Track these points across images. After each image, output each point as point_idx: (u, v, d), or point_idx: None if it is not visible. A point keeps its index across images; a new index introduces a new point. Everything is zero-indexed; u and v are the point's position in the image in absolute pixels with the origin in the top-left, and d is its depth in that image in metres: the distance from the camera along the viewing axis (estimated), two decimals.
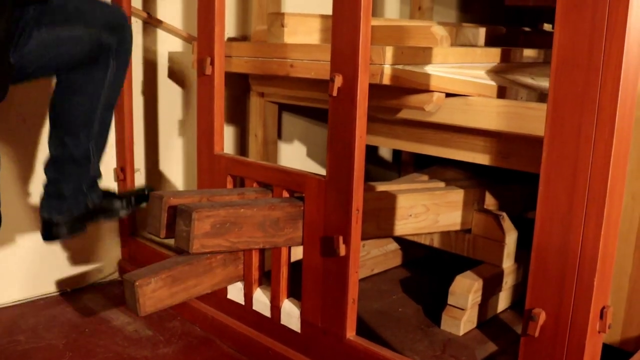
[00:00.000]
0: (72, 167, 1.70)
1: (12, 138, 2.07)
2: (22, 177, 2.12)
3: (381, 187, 2.25)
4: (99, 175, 1.77)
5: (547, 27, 3.47)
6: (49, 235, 1.75)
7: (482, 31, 2.46)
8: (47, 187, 1.74)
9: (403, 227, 2.08)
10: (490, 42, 2.48)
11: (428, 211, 2.11)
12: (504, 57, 2.15)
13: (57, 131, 1.68)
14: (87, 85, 1.63)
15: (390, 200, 2.02)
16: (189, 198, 1.66)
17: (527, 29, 2.96)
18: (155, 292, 1.65)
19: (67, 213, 1.72)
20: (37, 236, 2.19)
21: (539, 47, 2.38)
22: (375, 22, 2.16)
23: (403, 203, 2.05)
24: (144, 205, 1.86)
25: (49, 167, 1.72)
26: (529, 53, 2.29)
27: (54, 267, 2.27)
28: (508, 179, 2.53)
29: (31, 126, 2.11)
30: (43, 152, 2.15)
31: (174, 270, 1.72)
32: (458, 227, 2.22)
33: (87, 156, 1.70)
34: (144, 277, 1.60)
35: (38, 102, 2.10)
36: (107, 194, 1.82)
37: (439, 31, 1.95)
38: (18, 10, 1.42)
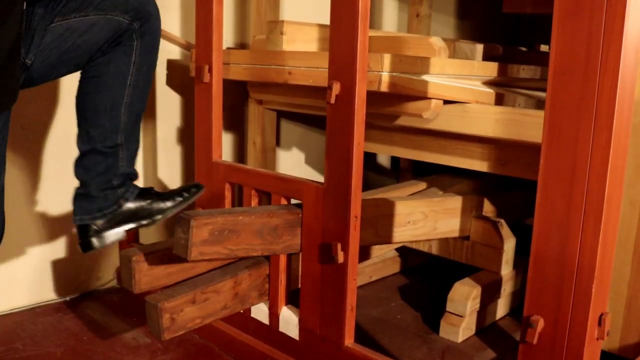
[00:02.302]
0: (99, 161, 1.56)
1: (12, 145, 2.07)
2: (21, 184, 2.12)
3: (380, 194, 2.25)
4: (133, 173, 1.62)
5: (543, 48, 3.49)
6: (84, 244, 1.60)
7: (479, 47, 2.47)
8: (77, 189, 1.61)
9: (401, 234, 2.07)
10: (487, 59, 2.49)
11: (426, 218, 2.11)
12: (502, 72, 2.15)
13: (83, 123, 1.56)
14: (110, 68, 1.52)
15: (388, 207, 2.02)
16: (183, 297, 1.58)
17: (523, 48, 2.97)
18: (152, 269, 1.66)
19: (98, 215, 1.58)
20: (35, 244, 2.19)
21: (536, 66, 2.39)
22: (373, 33, 2.17)
23: (401, 210, 2.04)
24: (192, 201, 1.66)
25: (77, 166, 1.60)
26: (526, 69, 2.29)
27: (52, 275, 2.26)
28: (506, 185, 2.53)
29: (30, 133, 2.12)
30: (41, 158, 2.15)
31: (171, 249, 1.72)
32: (456, 234, 2.22)
33: (116, 149, 1.56)
34: (140, 253, 1.61)
35: (37, 110, 2.10)
36: (147, 193, 1.63)
37: (437, 42, 1.95)
38: (29, 7, 1.39)
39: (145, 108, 1.62)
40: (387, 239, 2.04)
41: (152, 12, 1.54)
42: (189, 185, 1.66)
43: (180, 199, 1.63)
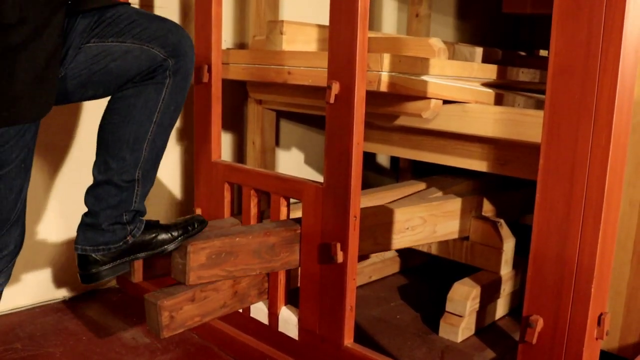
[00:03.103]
0: (113, 193, 1.52)
1: None
2: None
3: (379, 193, 2.25)
4: (142, 210, 1.58)
5: (543, 53, 3.49)
6: (86, 276, 1.55)
7: (478, 50, 2.47)
8: (85, 217, 1.56)
9: (400, 240, 2.06)
10: (486, 63, 2.49)
11: (425, 223, 2.11)
12: (501, 75, 2.15)
13: (103, 153, 1.52)
14: (138, 102, 1.48)
15: (386, 215, 2.01)
16: (182, 295, 1.56)
17: (523, 53, 2.97)
18: (151, 258, 1.65)
19: (104, 248, 1.53)
20: (33, 243, 2.18)
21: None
22: (372, 35, 2.17)
23: (399, 217, 2.03)
24: (195, 234, 1.62)
25: (89, 194, 1.54)
26: (525, 72, 2.29)
27: (51, 274, 2.26)
28: (505, 183, 2.53)
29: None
30: (43, 161, 2.15)
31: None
32: (456, 236, 2.22)
33: (132, 184, 1.52)
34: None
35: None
36: (151, 226, 1.60)
37: (437, 43, 1.95)
38: (70, 20, 1.36)
39: (166, 148, 1.59)
40: (386, 247, 2.04)
41: (188, 52, 1.51)
42: (193, 220, 1.62)
43: (183, 232, 1.58)
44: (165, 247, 1.56)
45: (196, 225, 1.58)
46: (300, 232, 1.71)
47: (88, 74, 1.40)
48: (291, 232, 1.70)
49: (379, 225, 1.98)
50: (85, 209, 1.55)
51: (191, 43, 1.52)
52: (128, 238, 1.54)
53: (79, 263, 1.54)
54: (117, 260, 1.54)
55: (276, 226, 1.70)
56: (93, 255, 1.53)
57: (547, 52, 1.23)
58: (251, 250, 1.62)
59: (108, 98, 1.51)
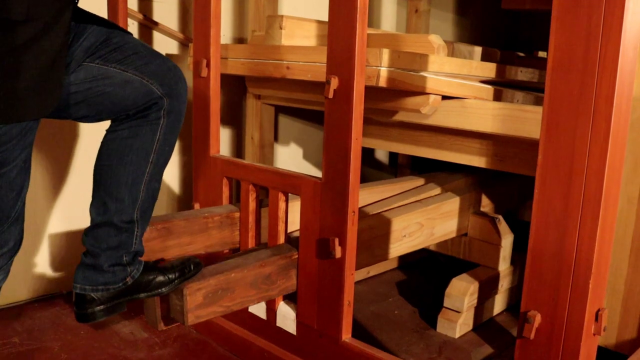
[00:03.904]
0: (113, 235, 1.52)
1: None
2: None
3: (377, 186, 2.25)
4: (141, 250, 1.60)
5: (541, 54, 3.49)
6: (83, 315, 1.54)
7: (477, 50, 2.47)
8: (84, 257, 1.56)
9: (398, 248, 2.04)
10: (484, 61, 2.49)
11: (422, 227, 2.09)
12: (500, 73, 2.15)
13: (101, 194, 1.52)
14: (135, 143, 1.49)
15: (382, 226, 1.97)
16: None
17: (521, 54, 2.97)
18: (149, 242, 1.66)
19: (103, 288, 1.54)
20: (31, 237, 2.18)
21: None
22: (371, 31, 2.16)
23: (396, 226, 2.01)
24: (191, 276, 1.62)
25: (88, 235, 1.55)
26: (524, 72, 2.29)
27: (49, 269, 2.26)
28: (503, 173, 2.53)
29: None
30: (42, 157, 2.15)
31: (170, 223, 1.74)
32: (454, 235, 2.22)
33: (132, 225, 1.54)
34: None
35: None
36: (149, 267, 1.61)
37: (436, 40, 1.95)
38: (78, 31, 1.37)
39: (160, 188, 1.60)
40: (383, 257, 2.01)
41: (182, 94, 1.53)
42: (190, 262, 1.61)
43: (180, 275, 1.58)
44: (162, 289, 1.57)
45: (192, 268, 1.58)
46: (297, 258, 1.71)
47: (85, 92, 1.40)
48: (286, 260, 1.70)
49: (375, 238, 1.95)
50: (87, 217, 1.55)
51: (186, 85, 1.54)
52: (128, 279, 1.55)
53: (76, 301, 1.54)
54: (115, 300, 1.55)
55: (271, 254, 1.69)
56: (92, 294, 1.53)
57: (546, 53, 1.22)
58: (247, 283, 1.61)
59: (100, 125, 1.51)
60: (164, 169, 1.57)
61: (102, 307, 1.54)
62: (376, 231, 1.94)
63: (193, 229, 1.77)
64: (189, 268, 1.58)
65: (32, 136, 1.32)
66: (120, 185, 1.50)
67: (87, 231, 1.55)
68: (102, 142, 1.51)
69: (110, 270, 1.53)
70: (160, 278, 1.58)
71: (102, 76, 1.41)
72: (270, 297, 1.70)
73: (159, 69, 1.48)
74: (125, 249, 1.54)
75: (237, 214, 1.87)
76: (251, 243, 1.86)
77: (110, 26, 1.46)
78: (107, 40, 1.43)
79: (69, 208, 2.23)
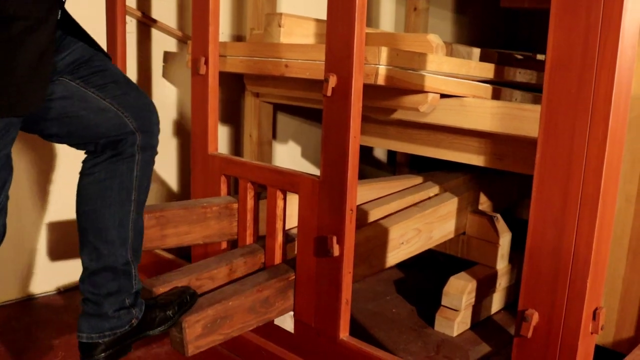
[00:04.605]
0: (111, 279, 1.49)
1: None
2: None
3: (376, 183, 2.24)
4: (140, 287, 1.56)
5: (540, 57, 3.48)
6: None
7: (476, 51, 2.46)
8: (85, 305, 1.52)
9: (395, 256, 2.02)
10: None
11: (420, 233, 2.08)
12: (498, 74, 2.15)
13: (90, 239, 1.49)
14: (114, 182, 1.46)
15: (380, 237, 1.95)
16: (178, 283, 1.61)
17: (519, 56, 2.97)
18: (147, 230, 1.66)
19: (109, 334, 1.50)
20: (30, 236, 2.18)
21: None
22: (370, 31, 2.16)
23: (394, 234, 1.99)
24: (190, 306, 1.61)
25: (85, 282, 1.51)
26: (522, 73, 2.29)
27: (47, 266, 2.26)
28: (502, 171, 2.52)
29: None
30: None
31: (167, 211, 1.74)
32: (452, 235, 2.22)
33: (127, 266, 1.51)
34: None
35: None
36: (150, 306, 1.58)
37: (435, 39, 1.95)
38: (62, 42, 1.37)
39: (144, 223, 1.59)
40: (381, 267, 1.99)
41: (154, 130, 1.51)
42: (186, 294, 1.59)
43: (178, 309, 1.57)
44: (164, 326, 1.56)
45: (189, 299, 1.57)
46: (294, 279, 1.71)
47: (60, 110, 1.38)
48: (284, 282, 1.70)
49: (372, 248, 1.93)
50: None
51: (158, 121, 1.52)
52: (133, 321, 1.53)
53: (82, 349, 1.51)
54: (122, 342, 1.53)
55: (268, 278, 1.68)
56: (99, 341, 1.50)
57: (544, 56, 1.22)
58: (246, 309, 1.61)
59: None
60: (144, 205, 1.55)
61: (109, 351, 1.51)
62: (373, 242, 1.93)
63: (191, 219, 1.78)
64: (186, 300, 1.57)
65: (15, 132, 1.30)
66: (109, 228, 1.47)
67: (83, 278, 1.51)
68: (79, 187, 1.48)
69: (116, 315, 1.50)
70: (162, 315, 1.56)
71: (80, 98, 1.39)
72: (269, 320, 1.69)
73: (135, 103, 1.46)
74: (127, 292, 1.51)
75: (236, 205, 1.87)
76: (249, 240, 1.86)
77: (95, 46, 1.45)
78: (90, 61, 1.41)
79: (66, 203, 2.23)
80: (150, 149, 1.51)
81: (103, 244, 1.48)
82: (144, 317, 1.55)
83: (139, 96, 1.49)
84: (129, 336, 1.54)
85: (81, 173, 1.49)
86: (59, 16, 1.32)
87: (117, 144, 1.45)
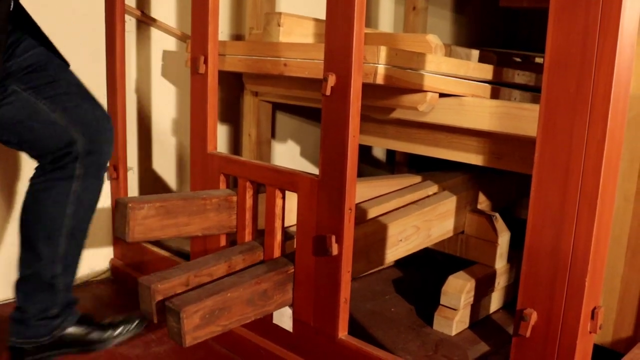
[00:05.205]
0: (37, 289, 1.51)
1: None
2: (6, 173, 2.12)
3: (374, 181, 2.24)
4: (72, 301, 1.56)
5: (538, 60, 3.48)
6: None
7: (475, 53, 2.47)
8: (14, 311, 1.56)
9: (394, 253, 2.02)
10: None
11: (419, 230, 2.08)
12: (497, 76, 2.15)
13: (25, 246, 1.51)
14: (48, 198, 1.45)
15: (378, 233, 1.96)
16: (176, 280, 1.60)
17: (518, 59, 2.97)
18: (147, 219, 1.65)
19: (32, 342, 1.52)
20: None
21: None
22: (369, 31, 2.16)
23: (392, 231, 1.99)
24: (132, 334, 1.62)
25: (17, 289, 1.54)
26: (521, 75, 2.29)
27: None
28: (501, 171, 2.52)
29: None
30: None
31: (168, 202, 1.73)
32: (451, 234, 2.22)
33: (54, 279, 1.51)
34: (137, 201, 1.59)
35: None
36: (86, 321, 1.57)
37: (434, 39, 1.95)
38: (17, 41, 1.35)
39: (87, 237, 1.56)
40: (380, 263, 2.00)
41: (104, 146, 1.48)
42: (133, 317, 1.59)
43: (120, 331, 1.57)
44: (96, 347, 1.56)
45: (134, 325, 1.57)
46: (293, 272, 1.71)
47: (10, 119, 1.37)
48: (283, 275, 1.70)
49: (371, 244, 1.93)
50: None
51: (111, 138, 1.50)
52: (55, 332, 1.53)
53: (10, 354, 1.54)
54: (44, 352, 1.53)
55: (267, 270, 1.68)
56: (23, 347, 1.52)
57: (542, 59, 1.22)
58: (244, 301, 1.60)
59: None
60: (89, 218, 1.53)
61: (29, 358, 1.53)
62: (372, 238, 1.93)
63: (191, 210, 1.77)
64: (130, 326, 1.57)
65: None
66: (38, 240, 1.47)
67: (16, 284, 1.53)
68: (25, 194, 1.48)
69: (37, 324, 1.52)
70: (95, 335, 1.55)
71: (31, 109, 1.38)
72: (267, 312, 1.69)
73: (86, 116, 1.43)
74: (51, 303, 1.51)
75: (235, 198, 1.87)
76: (248, 238, 1.86)
77: (51, 48, 1.42)
78: (44, 68, 1.39)
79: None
80: (96, 166, 1.48)
81: (31, 255, 1.49)
82: (73, 332, 1.54)
83: (91, 109, 1.45)
84: (53, 347, 1.54)
85: (29, 181, 1.48)
86: (12, 7, 1.28)
87: (60, 158, 1.43)
